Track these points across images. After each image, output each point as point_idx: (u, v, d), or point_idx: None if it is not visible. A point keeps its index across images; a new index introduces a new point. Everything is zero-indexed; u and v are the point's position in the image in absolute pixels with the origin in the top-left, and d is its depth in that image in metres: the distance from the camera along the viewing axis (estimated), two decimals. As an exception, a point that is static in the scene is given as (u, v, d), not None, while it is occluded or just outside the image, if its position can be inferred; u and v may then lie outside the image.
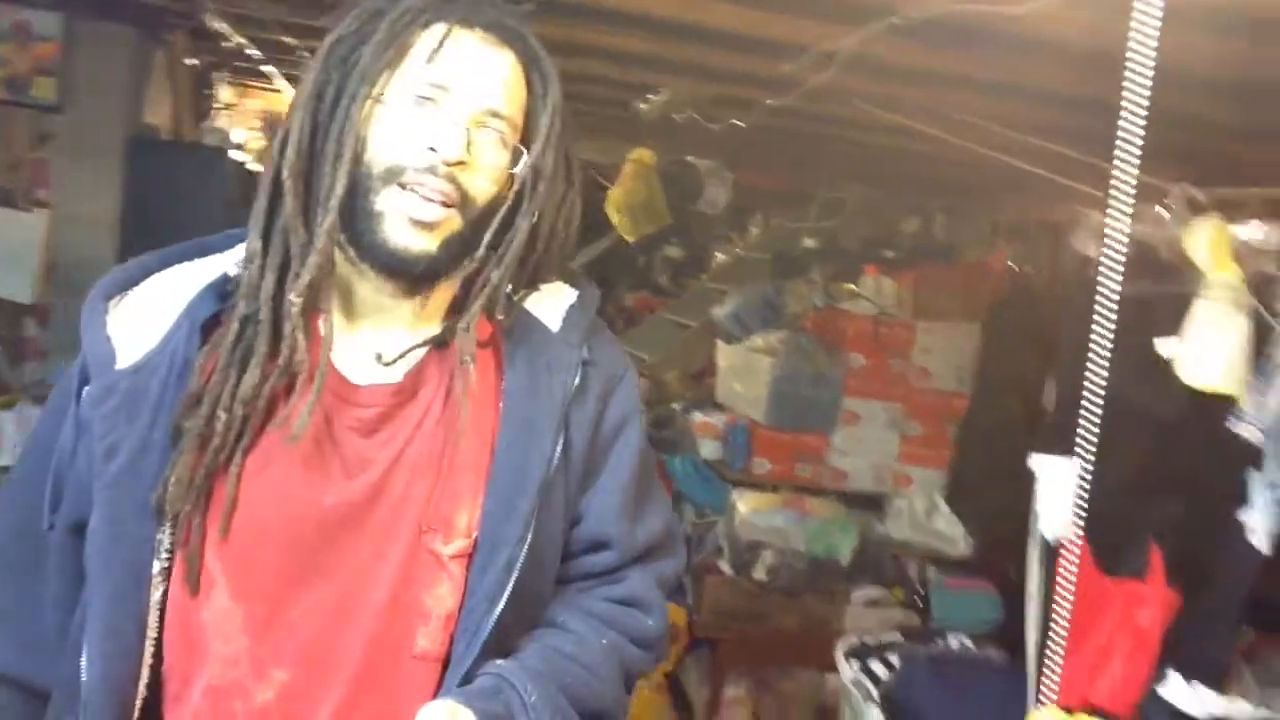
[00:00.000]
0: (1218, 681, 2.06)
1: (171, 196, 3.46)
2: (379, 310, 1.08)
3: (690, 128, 3.43)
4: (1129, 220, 1.22)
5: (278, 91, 3.94)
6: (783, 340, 4.10)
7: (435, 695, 1.05)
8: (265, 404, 1.03)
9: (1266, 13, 1.54)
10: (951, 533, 4.12)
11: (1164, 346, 1.92)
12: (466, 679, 1.04)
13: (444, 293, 1.11)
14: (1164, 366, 1.93)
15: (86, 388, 1.04)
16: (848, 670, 2.67)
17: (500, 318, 1.09)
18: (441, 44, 1.03)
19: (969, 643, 2.83)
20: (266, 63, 3.41)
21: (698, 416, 4.35)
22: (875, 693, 2.55)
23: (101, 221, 3.37)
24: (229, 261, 1.09)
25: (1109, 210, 1.16)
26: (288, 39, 2.94)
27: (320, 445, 1.04)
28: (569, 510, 1.12)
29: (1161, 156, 2.37)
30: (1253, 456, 1.91)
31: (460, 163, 1.01)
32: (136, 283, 1.09)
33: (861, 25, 2.11)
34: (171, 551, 1.03)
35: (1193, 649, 2.04)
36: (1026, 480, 2.20)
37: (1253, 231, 2.04)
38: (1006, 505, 3.72)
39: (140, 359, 1.03)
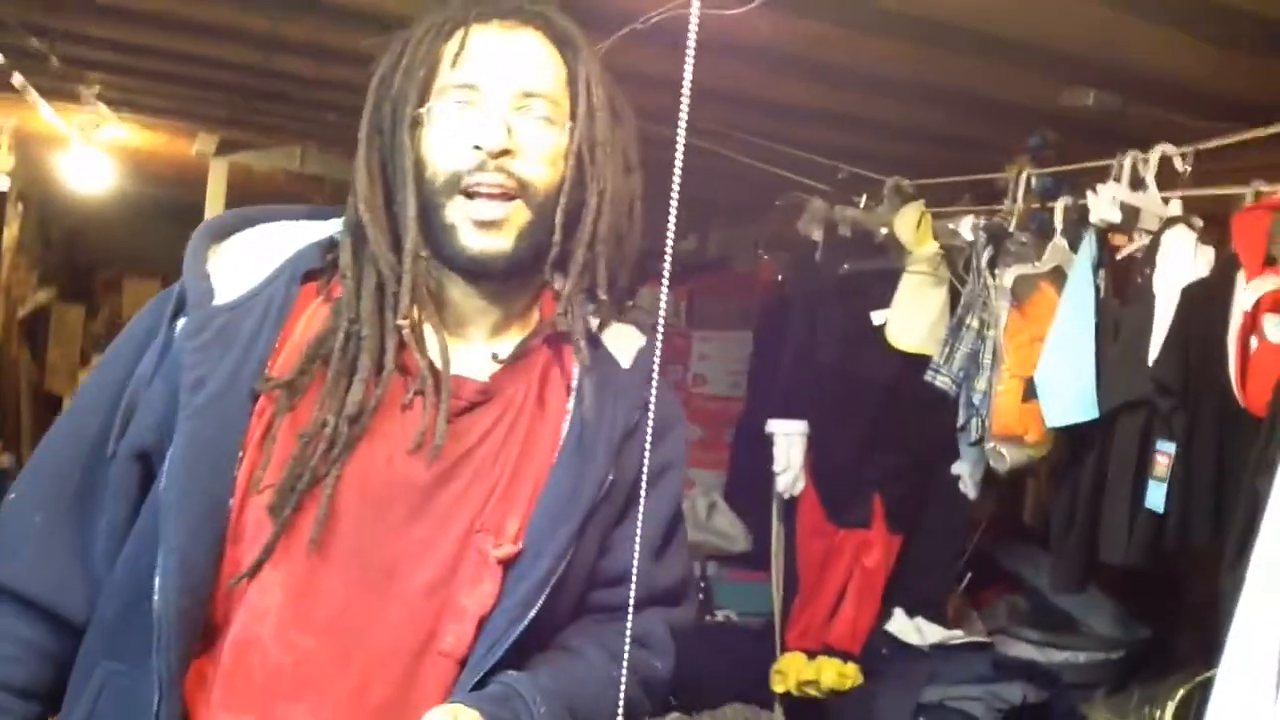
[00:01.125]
0: (939, 615, 2.30)
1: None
2: (462, 309, 1.10)
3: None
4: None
5: (33, 108, 3.76)
6: (565, 350, 4.21)
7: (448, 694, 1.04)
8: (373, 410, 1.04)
9: (966, 23, 1.75)
10: (732, 531, 4.29)
11: (876, 316, 2.16)
12: (481, 683, 1.03)
13: (522, 292, 1.12)
14: (877, 333, 2.17)
15: (181, 319, 1.05)
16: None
17: (603, 298, 1.09)
18: (463, 45, 1.05)
19: (735, 617, 3.01)
20: (14, 71, 3.24)
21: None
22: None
23: None
24: (333, 227, 1.12)
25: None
26: (38, 43, 2.81)
27: (402, 424, 1.05)
28: (601, 541, 1.12)
29: (886, 160, 2.64)
30: (955, 411, 2.17)
31: (506, 151, 1.02)
32: (239, 229, 1.11)
33: (609, 32, 2.27)
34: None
35: (915, 587, 2.27)
36: None
37: (964, 227, 2.32)
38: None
39: (238, 298, 1.05)
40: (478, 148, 1.02)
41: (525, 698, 1.01)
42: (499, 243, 1.04)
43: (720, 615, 3.01)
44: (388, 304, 1.05)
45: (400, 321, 1.04)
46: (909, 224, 2.16)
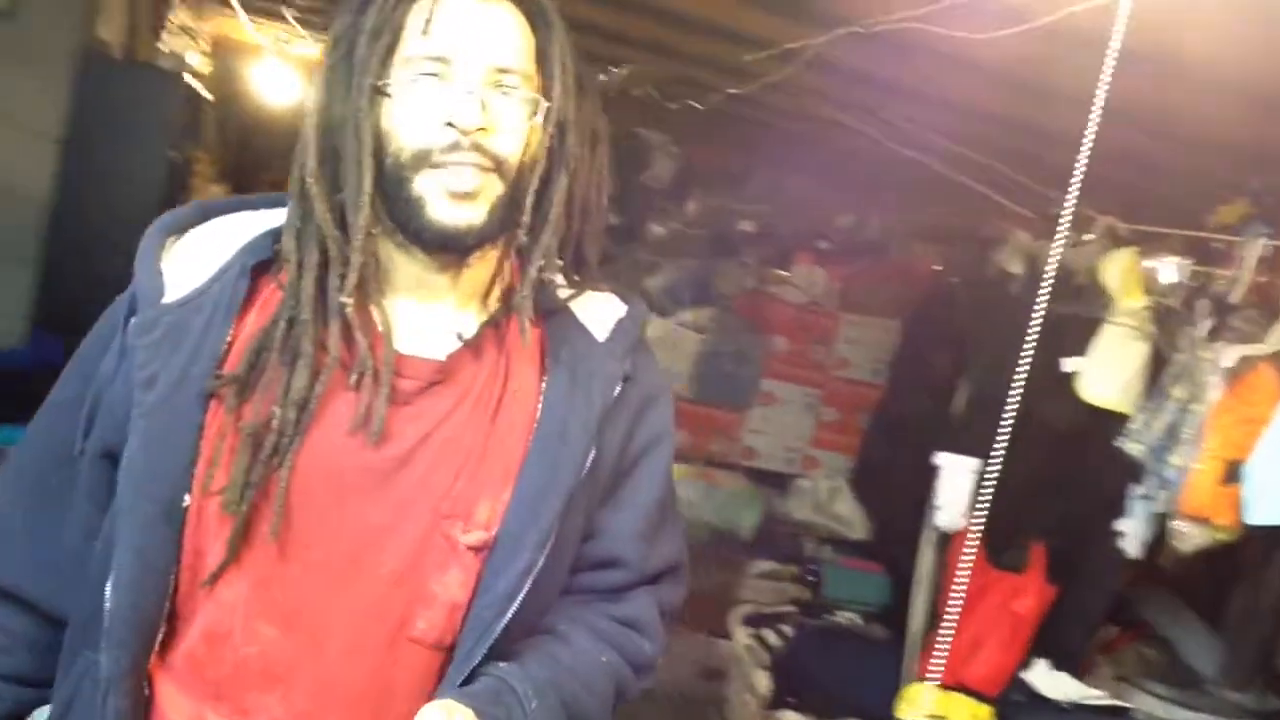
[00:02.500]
0: (1076, 670, 2.25)
1: (118, 115, 3.38)
2: (421, 285, 1.05)
3: (646, 104, 3.49)
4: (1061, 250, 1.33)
5: (233, 17, 3.87)
6: (711, 318, 4.21)
7: (436, 685, 1.03)
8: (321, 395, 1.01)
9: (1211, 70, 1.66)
10: (851, 516, 4.29)
11: (1068, 363, 2.08)
12: (471, 676, 1.01)
13: (484, 268, 1.08)
14: (1066, 380, 2.10)
15: (133, 318, 1.03)
16: (741, 636, 2.82)
17: (540, 292, 1.06)
18: (432, 14, 0.99)
19: (858, 619, 3.00)
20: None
21: (620, 384, 4.43)
22: (766, 658, 2.70)
23: (44, 133, 3.30)
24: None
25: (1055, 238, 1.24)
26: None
27: (352, 408, 1.01)
28: (586, 523, 1.09)
29: (1094, 188, 2.53)
30: (1134, 471, 2.09)
31: (481, 129, 0.98)
32: (196, 223, 1.08)
33: (826, 29, 2.22)
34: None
35: (1061, 639, 2.23)
36: (928, 475, 2.36)
37: (1166, 269, 2.22)
38: (906, 496, 3.93)
39: (187, 294, 1.02)
40: (451, 125, 0.98)
41: (517, 691, 1.00)
42: (471, 215, 0.99)
43: (843, 617, 3.00)
44: (331, 283, 1.00)
45: (344, 299, 0.99)
46: (1119, 271, 2.07)
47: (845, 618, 3.03)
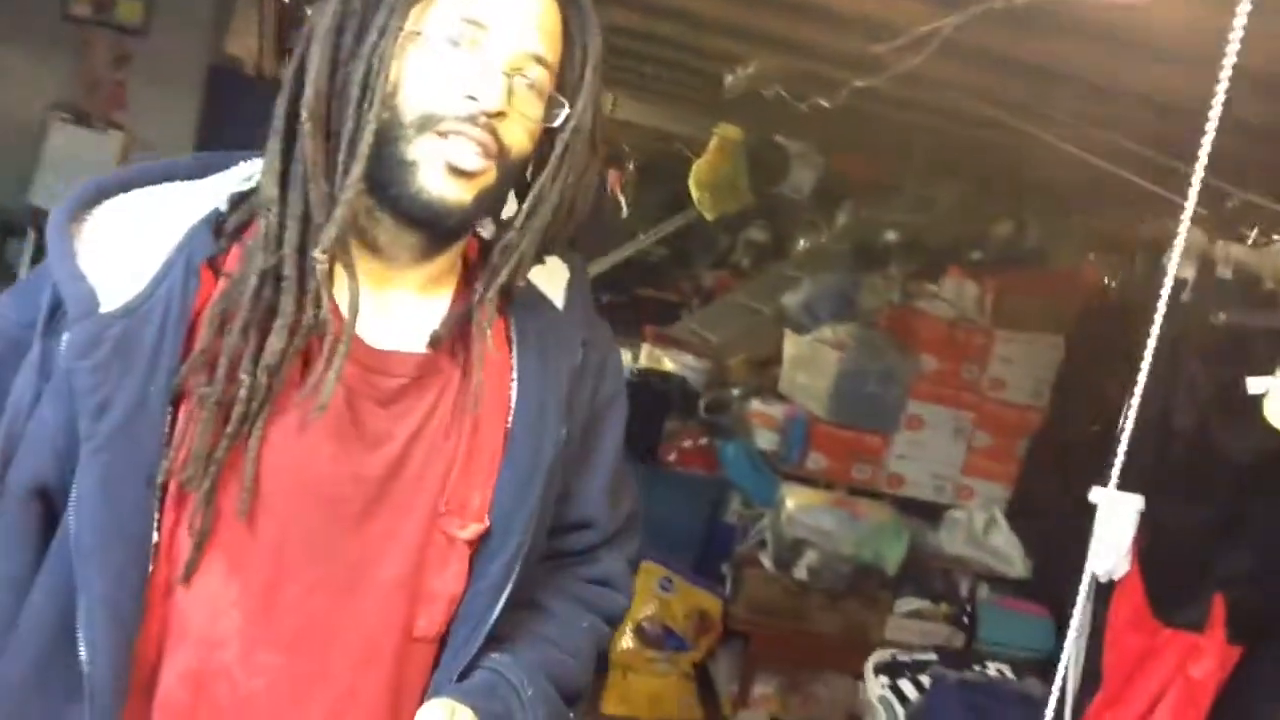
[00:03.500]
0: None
1: (247, 131, 3.41)
2: (390, 269, 1.01)
3: (777, 105, 3.30)
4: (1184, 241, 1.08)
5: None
6: (853, 334, 3.95)
7: (430, 678, 1.03)
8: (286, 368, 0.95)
9: None
10: (1009, 552, 3.95)
11: (1255, 384, 1.75)
12: (467, 667, 1.01)
13: (454, 254, 1.05)
14: (1253, 405, 1.76)
15: (66, 335, 0.91)
16: (875, 686, 2.54)
17: (516, 289, 1.04)
18: None
19: (1008, 671, 2.68)
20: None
21: (756, 405, 4.23)
22: (900, 713, 2.42)
23: (175, 149, 3.36)
24: (215, 192, 0.99)
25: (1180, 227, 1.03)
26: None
27: (337, 414, 0.96)
28: (558, 490, 1.08)
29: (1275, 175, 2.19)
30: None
31: (500, 113, 0.94)
32: (97, 202, 0.97)
33: (959, 8, 1.97)
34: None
35: (1246, 710, 1.88)
36: (1093, 510, 2.06)
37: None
38: (1072, 530, 3.57)
39: (130, 301, 0.92)
40: (473, 99, 0.92)
41: (512, 682, 1.00)
42: (461, 194, 0.95)
43: (994, 668, 2.68)
44: (310, 238, 0.93)
45: (318, 254, 0.92)
46: (1315, 274, 1.73)
47: (996, 668, 2.71)
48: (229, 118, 3.41)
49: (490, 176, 0.96)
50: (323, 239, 0.92)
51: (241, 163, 1.01)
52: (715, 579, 3.91)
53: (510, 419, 1.02)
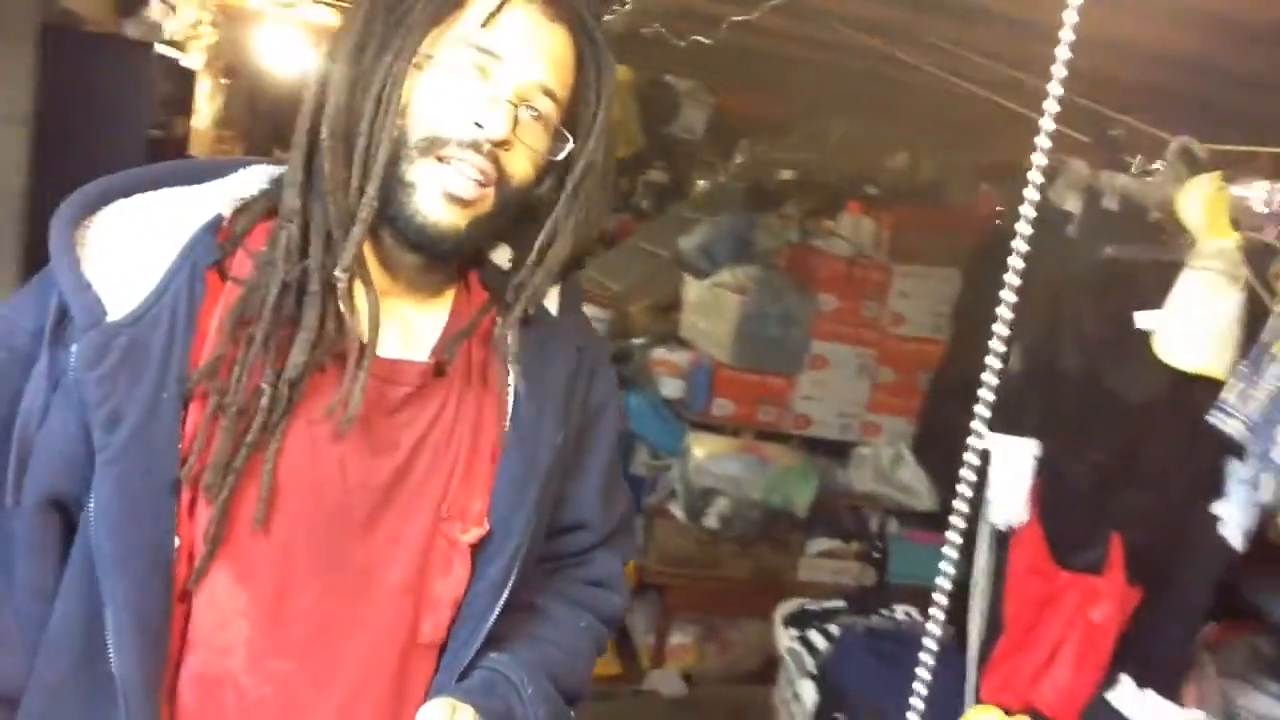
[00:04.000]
0: (1174, 686, 1.89)
1: (92, 92, 3.19)
2: (391, 283, 1.03)
3: (661, 44, 3.17)
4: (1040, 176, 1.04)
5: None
6: (752, 277, 3.88)
7: (431, 682, 1.05)
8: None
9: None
10: (917, 486, 3.97)
11: (1143, 319, 1.71)
12: (467, 668, 1.03)
13: (452, 269, 1.07)
14: (1142, 341, 1.72)
15: (75, 346, 0.91)
16: (784, 638, 2.50)
17: (531, 311, 1.06)
18: (500, 7, 0.97)
19: (916, 614, 2.66)
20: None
21: (659, 353, 4.14)
22: (810, 665, 2.39)
23: (11, 113, 3.10)
24: (218, 197, 1.00)
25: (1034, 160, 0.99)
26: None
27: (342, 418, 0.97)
28: (555, 494, 1.12)
29: (1162, 105, 2.14)
30: (1232, 446, 1.71)
31: (505, 142, 0.96)
32: (98, 207, 0.96)
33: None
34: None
35: (1149, 651, 1.87)
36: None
37: (1255, 193, 1.82)
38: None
39: (136, 308, 0.92)
40: (479, 126, 0.95)
41: (512, 680, 1.02)
42: (456, 219, 0.97)
43: (899, 612, 2.66)
44: (331, 254, 0.96)
45: (339, 273, 0.95)
46: (1199, 203, 1.68)
47: (904, 611, 2.69)
48: (70, 78, 3.17)
49: (487, 204, 0.98)
50: (344, 257, 0.95)
51: (241, 169, 1.03)
52: (626, 532, 3.84)
53: (508, 424, 1.05)
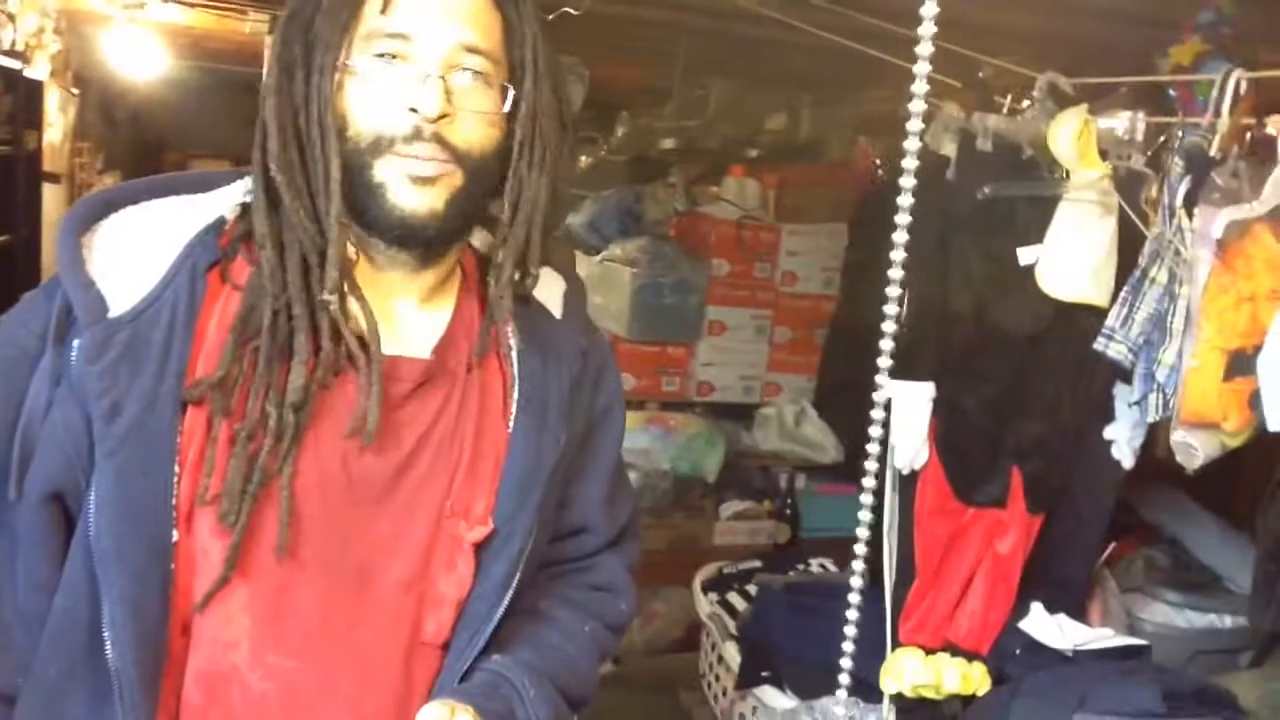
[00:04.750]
0: (1080, 607, 1.95)
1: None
2: (391, 284, 1.04)
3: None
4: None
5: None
6: (642, 249, 3.87)
7: (435, 682, 1.05)
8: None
9: None
10: (821, 440, 4.03)
11: (1024, 254, 1.74)
12: (467, 670, 1.03)
13: (451, 264, 1.07)
14: (1025, 275, 1.76)
15: (78, 340, 0.94)
16: (704, 604, 2.51)
17: (526, 284, 1.06)
18: None
19: (831, 565, 2.70)
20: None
21: (556, 332, 4.11)
22: (732, 627, 2.40)
23: None
24: (221, 204, 1.02)
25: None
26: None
27: (342, 411, 0.99)
28: (558, 499, 1.12)
29: (1030, 43, 2.18)
30: (1118, 370, 1.77)
31: (444, 116, 0.96)
32: (101, 217, 0.99)
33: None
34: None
35: (1055, 576, 1.92)
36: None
37: (1120, 122, 1.86)
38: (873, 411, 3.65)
39: (137, 304, 0.94)
40: (413, 110, 0.95)
41: (514, 683, 1.02)
42: (430, 200, 0.97)
43: (814, 565, 2.69)
44: (313, 277, 0.97)
45: (327, 296, 0.96)
46: (1068, 137, 1.71)
47: (818, 563, 2.72)
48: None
49: (457, 179, 0.98)
50: (327, 283, 0.95)
51: (247, 177, 1.03)
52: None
53: (511, 424, 1.05)
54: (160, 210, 1.01)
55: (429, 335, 1.05)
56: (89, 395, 0.93)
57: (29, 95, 3.56)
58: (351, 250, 1.01)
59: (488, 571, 1.04)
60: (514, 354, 1.07)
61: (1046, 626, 1.84)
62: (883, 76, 3.04)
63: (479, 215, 1.05)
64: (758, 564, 2.71)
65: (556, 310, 1.12)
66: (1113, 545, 2.37)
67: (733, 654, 2.36)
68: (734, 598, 2.54)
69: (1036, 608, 1.86)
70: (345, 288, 0.98)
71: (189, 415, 0.95)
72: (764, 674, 2.25)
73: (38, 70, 3.95)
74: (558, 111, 1.04)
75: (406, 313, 1.05)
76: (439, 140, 0.96)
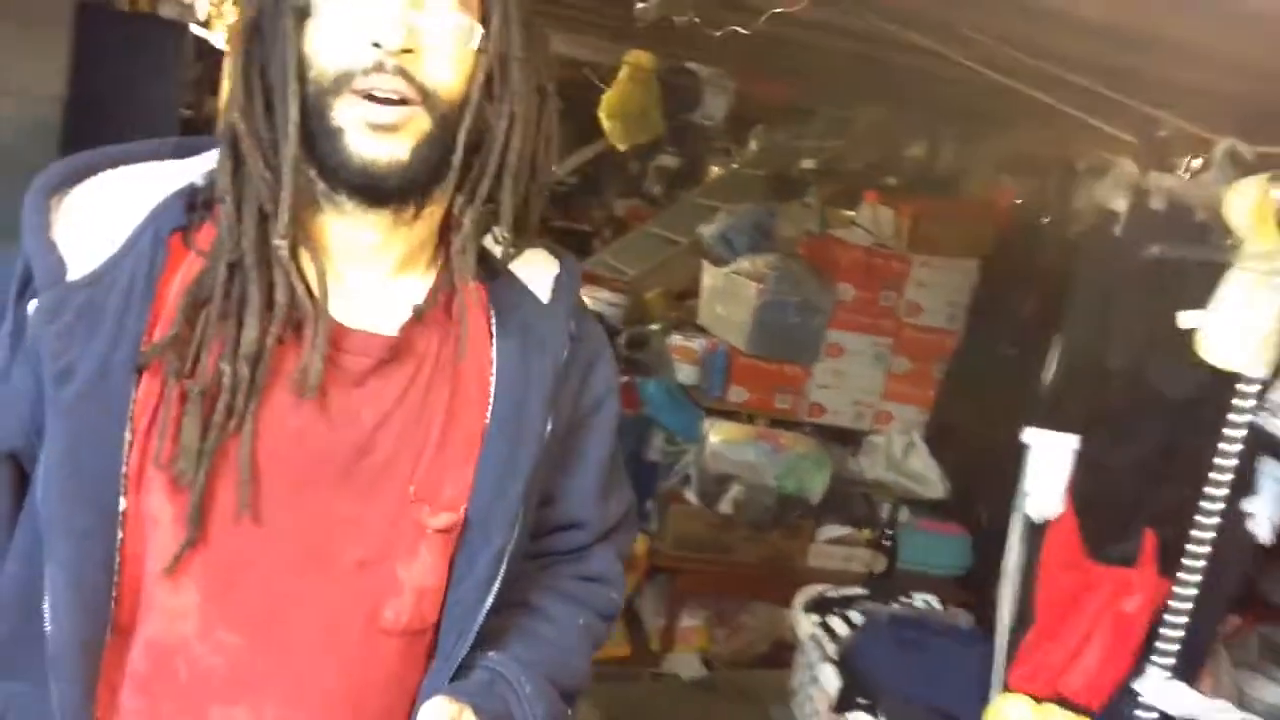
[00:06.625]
0: (1194, 676, 1.92)
1: (124, 73, 3.18)
2: (359, 249, 0.99)
3: (687, 30, 3.18)
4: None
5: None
6: (771, 265, 3.90)
7: (410, 672, 1.03)
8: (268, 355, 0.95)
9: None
10: (928, 474, 4.00)
11: (1187, 318, 1.73)
12: (460, 668, 1.01)
13: (420, 229, 1.01)
14: (1184, 339, 1.75)
15: (34, 301, 0.93)
16: (805, 624, 2.53)
17: (499, 255, 1.02)
18: None
19: (936, 602, 2.70)
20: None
21: (676, 339, 4.16)
22: (832, 650, 2.42)
23: (45, 94, 3.09)
24: (195, 170, 0.99)
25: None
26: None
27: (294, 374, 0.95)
28: (545, 490, 1.09)
29: (1211, 106, 2.15)
30: (1267, 444, 1.75)
31: (407, 50, 0.91)
32: (79, 179, 0.97)
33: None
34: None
35: (1177, 642, 1.90)
36: (1012, 428, 2.05)
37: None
38: (988, 451, 3.60)
39: (97, 268, 0.92)
40: (376, 45, 0.90)
41: (509, 679, 1.00)
42: (394, 149, 0.92)
43: (919, 600, 2.70)
44: (269, 226, 0.93)
45: (278, 242, 0.92)
46: (1246, 205, 1.70)
47: (922, 599, 2.72)
48: (104, 57, 3.16)
49: (422, 123, 0.93)
50: (279, 226, 0.92)
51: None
52: (640, 517, 3.87)
53: (489, 411, 1.01)
54: (136, 175, 0.98)
55: (400, 311, 0.99)
56: (44, 357, 0.91)
57: (211, 63, 3.74)
58: (321, 217, 0.97)
59: (470, 566, 1.01)
60: (493, 339, 1.03)
61: (1162, 691, 1.82)
62: (1028, 115, 3.01)
63: (449, 170, 0.97)
64: (862, 591, 2.72)
65: (544, 294, 1.07)
66: (1230, 618, 2.34)
67: (829, 676, 2.39)
68: (835, 621, 2.57)
69: (1154, 671, 1.85)
70: (298, 239, 0.94)
71: (144, 381, 0.92)
72: (861, 700, 2.27)
73: (217, 38, 4.14)
74: (534, 67, 0.99)
75: (377, 285, 1.00)
76: (403, 74, 0.91)
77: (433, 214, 1.01)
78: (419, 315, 0.98)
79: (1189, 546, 1.80)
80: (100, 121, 3.26)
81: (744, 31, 2.81)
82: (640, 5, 3.03)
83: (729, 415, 3.90)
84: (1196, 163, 1.92)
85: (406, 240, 1.00)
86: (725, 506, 3.74)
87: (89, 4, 3.18)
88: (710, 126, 4.69)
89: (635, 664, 3.67)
